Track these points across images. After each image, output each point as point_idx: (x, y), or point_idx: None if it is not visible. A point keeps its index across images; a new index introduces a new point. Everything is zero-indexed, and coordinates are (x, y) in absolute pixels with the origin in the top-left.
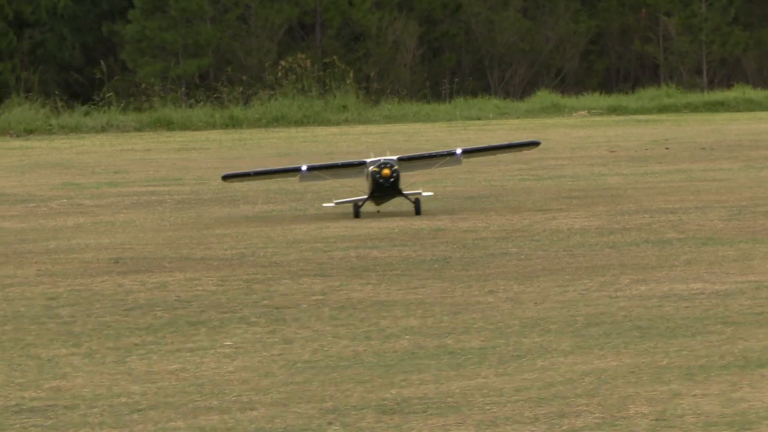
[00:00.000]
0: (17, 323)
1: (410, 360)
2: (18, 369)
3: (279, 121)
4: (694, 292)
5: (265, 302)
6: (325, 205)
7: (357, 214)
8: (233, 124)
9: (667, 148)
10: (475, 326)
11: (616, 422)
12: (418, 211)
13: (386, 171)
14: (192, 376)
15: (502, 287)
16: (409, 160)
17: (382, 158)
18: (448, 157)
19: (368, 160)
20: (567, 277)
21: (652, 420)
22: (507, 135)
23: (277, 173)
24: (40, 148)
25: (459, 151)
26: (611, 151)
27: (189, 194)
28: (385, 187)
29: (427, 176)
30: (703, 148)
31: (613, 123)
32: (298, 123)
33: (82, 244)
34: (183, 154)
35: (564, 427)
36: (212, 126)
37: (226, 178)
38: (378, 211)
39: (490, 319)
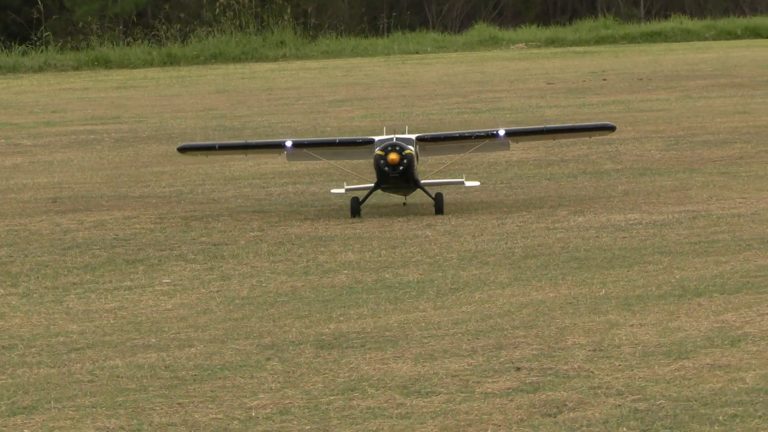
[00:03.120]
0: None
1: (348, 294)
2: None
3: (217, 57)
4: (631, 222)
5: (203, 239)
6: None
7: (355, 212)
8: (171, 61)
9: (604, 80)
10: (413, 260)
11: (554, 353)
12: (439, 209)
13: (393, 156)
14: (130, 315)
15: (440, 220)
16: (433, 141)
17: (394, 137)
18: (487, 140)
19: (377, 138)
20: (505, 209)
21: (589, 351)
22: (445, 68)
23: (253, 148)
24: None
25: (502, 132)
26: (549, 83)
27: (127, 132)
28: (391, 177)
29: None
30: (641, 79)
31: (550, 55)
32: (236, 59)
33: (20, 184)
34: (121, 93)
35: (502, 359)
36: (150, 64)
37: (183, 150)
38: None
39: (428, 252)
